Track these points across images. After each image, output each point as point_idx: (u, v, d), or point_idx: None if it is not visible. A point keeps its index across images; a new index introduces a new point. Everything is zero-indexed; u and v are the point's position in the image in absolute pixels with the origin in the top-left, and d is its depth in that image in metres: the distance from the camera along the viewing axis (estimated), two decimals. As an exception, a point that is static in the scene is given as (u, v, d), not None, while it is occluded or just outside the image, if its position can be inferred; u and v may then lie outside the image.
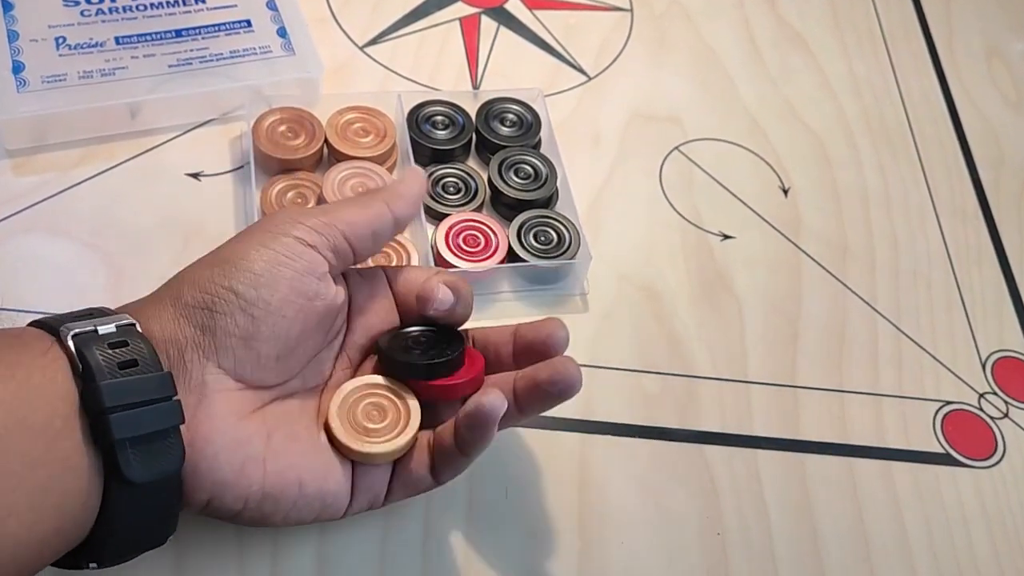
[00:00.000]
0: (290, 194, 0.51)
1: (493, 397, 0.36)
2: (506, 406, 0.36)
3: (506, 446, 0.46)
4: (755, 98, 0.65)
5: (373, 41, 0.63)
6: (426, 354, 0.39)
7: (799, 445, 0.49)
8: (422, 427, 0.39)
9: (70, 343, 0.32)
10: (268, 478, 0.35)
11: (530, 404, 0.39)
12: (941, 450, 0.50)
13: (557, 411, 0.47)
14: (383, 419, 0.39)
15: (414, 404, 0.39)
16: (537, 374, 0.38)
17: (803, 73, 0.68)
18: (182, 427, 0.33)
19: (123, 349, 0.32)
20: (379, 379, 0.40)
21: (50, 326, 0.33)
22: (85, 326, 0.32)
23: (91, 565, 0.32)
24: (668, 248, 0.56)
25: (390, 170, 0.54)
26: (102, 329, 0.32)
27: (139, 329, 0.34)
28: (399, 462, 0.39)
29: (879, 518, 0.47)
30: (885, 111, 0.67)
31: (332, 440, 0.38)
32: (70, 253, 0.48)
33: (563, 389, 0.38)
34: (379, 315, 0.41)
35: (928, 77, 0.70)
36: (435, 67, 0.62)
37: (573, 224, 0.52)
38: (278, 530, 0.41)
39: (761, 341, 0.52)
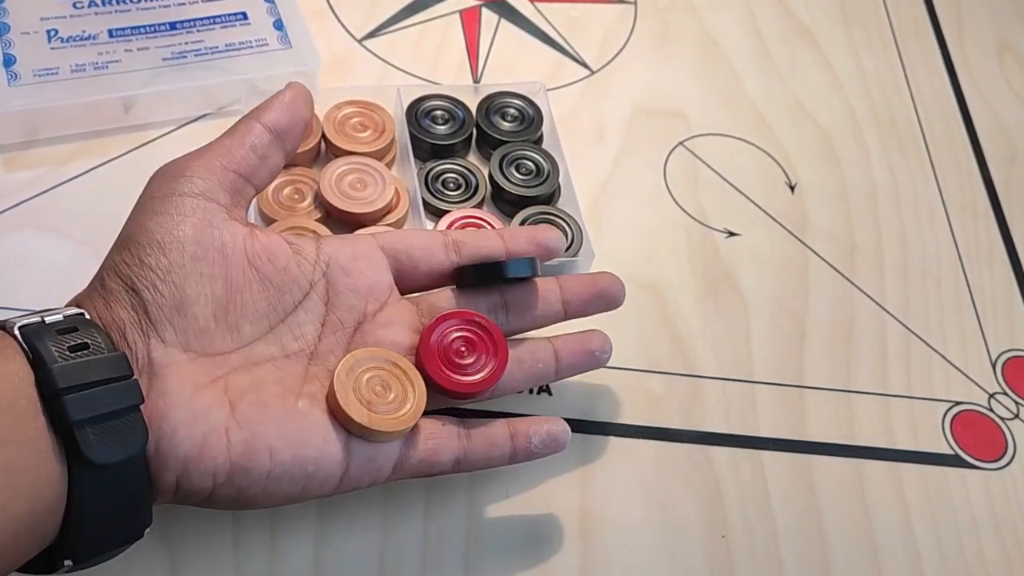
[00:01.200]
0: (287, 190, 0.51)
1: (563, 427, 0.41)
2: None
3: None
4: (762, 93, 0.66)
5: (371, 34, 0.63)
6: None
7: (805, 446, 0.49)
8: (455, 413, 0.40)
9: (17, 333, 0.32)
10: (233, 448, 0.34)
11: (572, 368, 0.44)
12: (950, 451, 0.50)
13: (559, 412, 0.47)
14: (387, 394, 0.38)
15: (420, 386, 0.39)
16: (589, 343, 0.44)
17: (811, 68, 0.68)
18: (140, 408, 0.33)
19: (73, 334, 0.33)
20: (391, 354, 0.40)
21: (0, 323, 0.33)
22: (32, 319, 0.33)
23: (66, 563, 0.32)
24: (672, 245, 0.56)
25: (389, 165, 0.54)
26: (49, 319, 0.33)
27: (87, 316, 0.34)
28: (417, 446, 0.39)
29: (887, 520, 0.47)
30: (894, 107, 0.67)
31: (333, 408, 0.37)
32: (62, 251, 0.49)
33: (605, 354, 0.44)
34: (367, 276, 0.41)
35: (938, 73, 0.71)
36: (435, 61, 0.62)
37: (575, 221, 0.53)
38: (274, 528, 0.41)
39: (767, 340, 0.53)
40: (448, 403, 0.42)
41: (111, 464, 0.31)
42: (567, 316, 0.44)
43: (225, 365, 0.37)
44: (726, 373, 0.51)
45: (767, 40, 0.69)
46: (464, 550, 0.42)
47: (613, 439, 0.47)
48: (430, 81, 0.61)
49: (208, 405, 0.35)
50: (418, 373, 0.40)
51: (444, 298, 0.43)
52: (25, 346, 0.32)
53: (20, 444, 0.30)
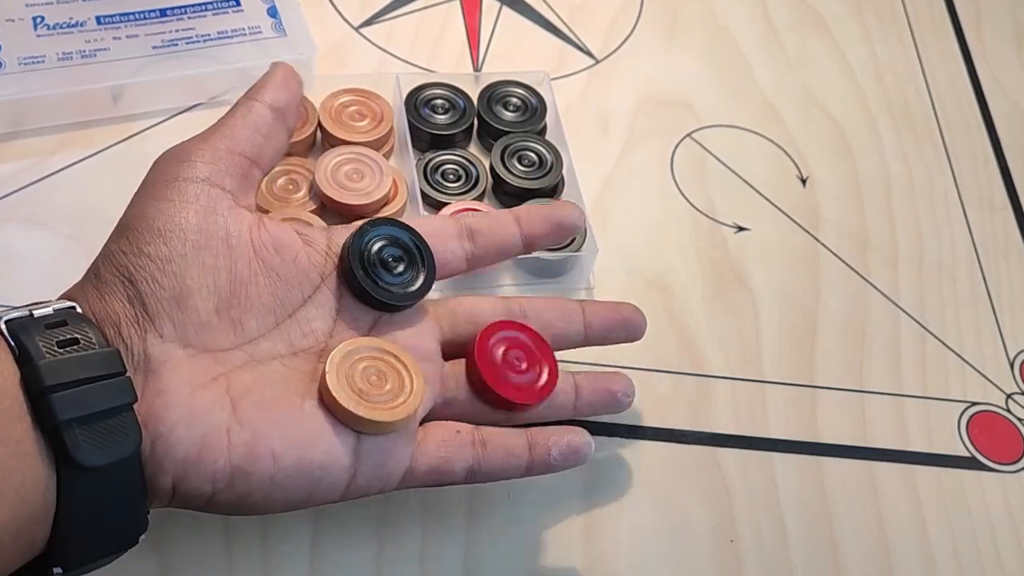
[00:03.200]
0: (281, 180, 0.51)
1: (585, 439, 0.41)
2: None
3: (508, 448, 0.46)
4: (772, 82, 0.65)
5: (369, 21, 0.63)
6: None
7: (817, 448, 0.49)
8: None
9: (2, 326, 0.32)
10: (234, 450, 0.34)
11: (592, 406, 0.44)
12: (966, 453, 0.50)
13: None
14: (383, 385, 0.37)
15: (419, 380, 0.38)
16: (611, 384, 0.43)
17: (822, 56, 0.68)
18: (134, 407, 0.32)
19: (62, 328, 0.32)
20: (390, 345, 0.39)
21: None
22: (20, 312, 0.32)
23: (55, 571, 0.32)
24: (679, 240, 0.56)
25: (387, 156, 0.54)
26: (38, 312, 0.32)
27: (79, 310, 0.33)
28: (429, 453, 0.38)
29: (901, 525, 0.47)
30: (909, 97, 0.67)
31: (324, 396, 0.36)
32: (49, 246, 0.49)
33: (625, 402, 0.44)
34: None
35: (954, 61, 0.70)
36: (434, 49, 0.62)
37: (579, 215, 0.52)
38: (267, 536, 0.41)
39: (777, 338, 0.53)
40: (496, 418, 0.41)
41: (101, 467, 0.31)
42: (587, 341, 0.44)
43: (227, 362, 0.36)
44: (735, 372, 0.51)
45: (777, 28, 0.69)
46: (464, 553, 0.42)
47: (618, 440, 0.47)
48: (429, 70, 0.61)
49: (208, 404, 0.34)
50: (417, 367, 0.39)
51: (465, 304, 0.43)
52: (11, 341, 0.31)
53: (4, 446, 0.29)
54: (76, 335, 0.32)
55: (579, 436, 0.41)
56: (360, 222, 0.41)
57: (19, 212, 0.50)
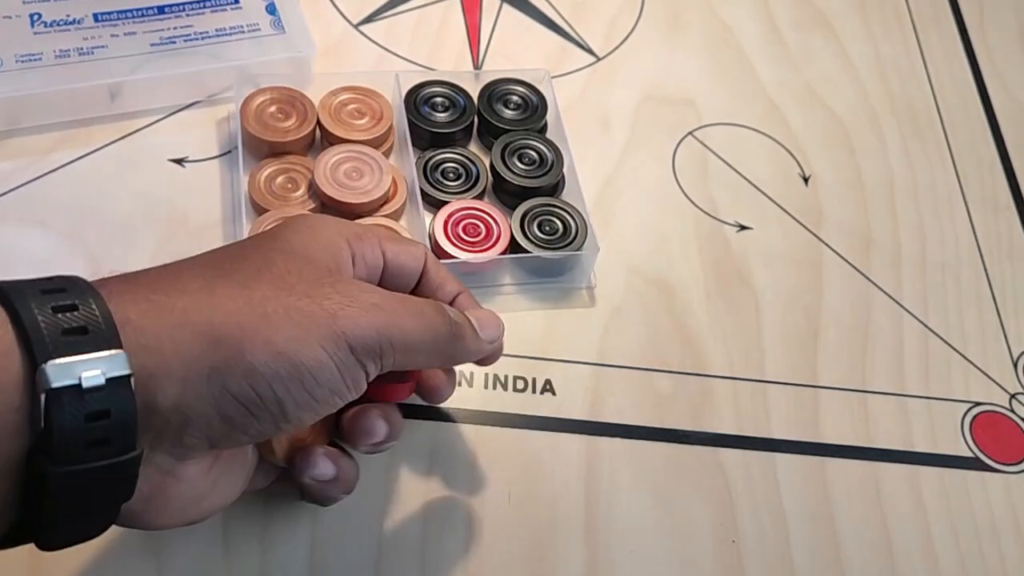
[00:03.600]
0: (280, 179, 0.51)
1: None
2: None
3: (509, 448, 0.46)
4: (774, 81, 0.65)
5: (368, 19, 0.63)
6: None
7: (819, 448, 0.49)
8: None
9: (42, 396, 0.28)
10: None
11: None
12: (970, 454, 0.50)
13: (563, 412, 0.47)
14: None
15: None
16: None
17: (825, 54, 0.68)
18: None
19: (100, 423, 0.29)
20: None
21: (26, 340, 0.29)
22: (64, 372, 0.28)
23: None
24: (681, 239, 0.56)
25: (386, 154, 0.54)
26: (87, 380, 0.29)
27: (133, 386, 0.29)
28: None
29: (904, 526, 0.47)
30: (912, 95, 0.67)
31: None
32: (46, 244, 0.48)
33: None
34: None
35: (958, 59, 0.70)
36: (434, 46, 0.62)
37: (580, 213, 0.52)
38: (265, 538, 0.41)
39: (780, 338, 0.52)
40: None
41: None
42: None
43: None
44: (737, 372, 0.51)
45: (780, 25, 0.69)
46: (465, 555, 0.42)
47: (619, 440, 0.47)
48: (429, 68, 0.61)
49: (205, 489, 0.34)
50: None
51: None
52: (41, 412, 0.29)
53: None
54: (108, 436, 0.29)
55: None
56: None
57: (17, 210, 0.49)
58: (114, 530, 0.33)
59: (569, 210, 0.52)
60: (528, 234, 0.51)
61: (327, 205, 0.50)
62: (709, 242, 0.56)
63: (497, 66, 0.61)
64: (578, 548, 0.43)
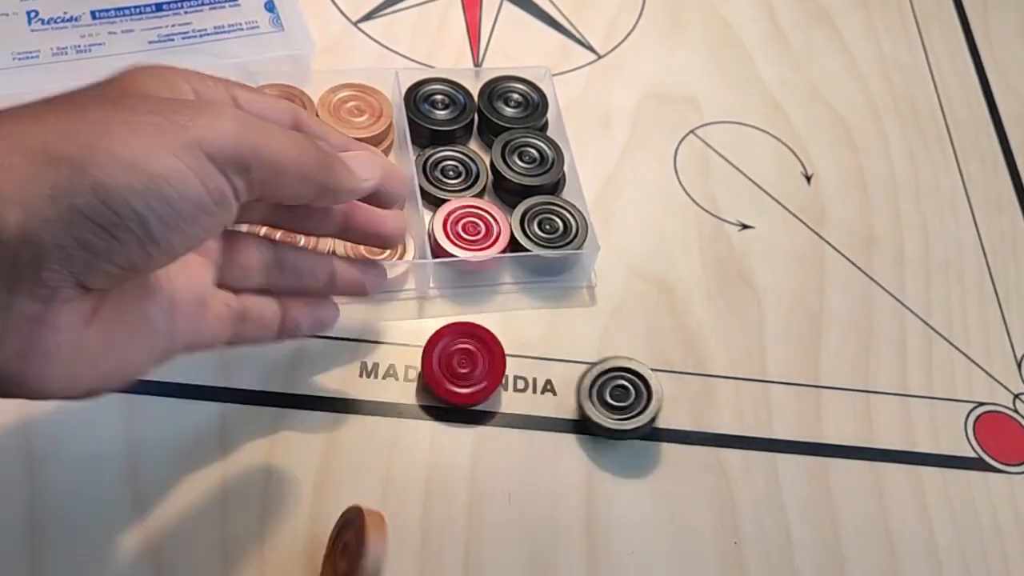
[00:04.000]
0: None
1: (334, 315, 0.43)
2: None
3: (508, 448, 0.46)
4: (776, 78, 0.65)
5: (368, 16, 0.63)
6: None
7: (822, 449, 0.49)
8: None
9: None
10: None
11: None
12: (973, 454, 0.50)
13: (563, 412, 0.47)
14: None
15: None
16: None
17: (827, 52, 0.68)
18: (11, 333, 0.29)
19: None
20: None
21: None
22: None
23: None
24: (682, 238, 0.56)
25: (386, 152, 0.54)
26: None
27: None
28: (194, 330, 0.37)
29: (907, 527, 0.47)
30: (915, 93, 0.67)
31: None
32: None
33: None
34: None
35: (962, 57, 0.70)
36: (434, 44, 0.62)
37: (580, 212, 0.52)
38: (263, 541, 0.41)
39: (781, 338, 0.52)
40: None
41: None
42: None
43: None
44: (738, 372, 0.51)
45: (782, 23, 0.69)
46: (464, 556, 0.42)
47: (620, 441, 0.47)
48: (429, 65, 0.61)
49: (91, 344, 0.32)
50: None
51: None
52: None
53: None
54: None
55: (328, 311, 0.43)
56: None
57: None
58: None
59: (569, 209, 0.52)
60: (528, 233, 0.51)
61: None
62: (711, 241, 0.56)
63: (497, 64, 0.61)
64: (578, 549, 0.43)
